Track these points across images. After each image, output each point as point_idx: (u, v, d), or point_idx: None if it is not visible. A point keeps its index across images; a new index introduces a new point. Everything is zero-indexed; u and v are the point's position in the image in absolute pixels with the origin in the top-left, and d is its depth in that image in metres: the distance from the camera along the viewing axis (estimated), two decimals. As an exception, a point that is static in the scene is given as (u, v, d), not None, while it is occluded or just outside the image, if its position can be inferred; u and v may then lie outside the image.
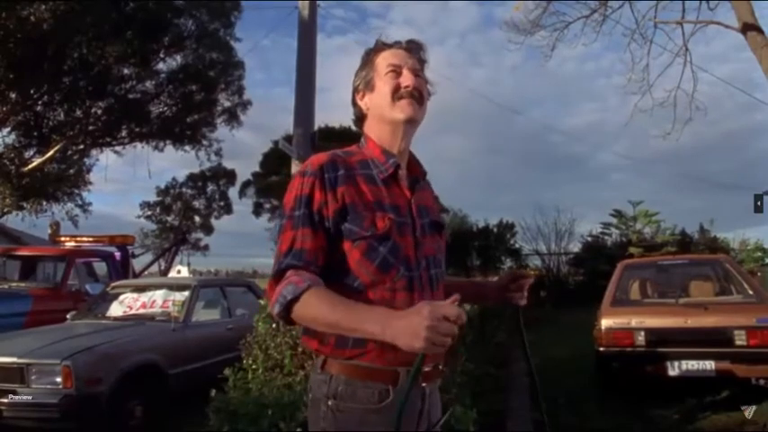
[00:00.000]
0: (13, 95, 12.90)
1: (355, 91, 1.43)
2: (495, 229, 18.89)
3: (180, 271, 23.65)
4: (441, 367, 1.35)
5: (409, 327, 1.00)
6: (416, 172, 1.43)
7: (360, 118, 1.44)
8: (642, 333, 4.99)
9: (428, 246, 1.35)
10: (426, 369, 1.26)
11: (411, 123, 1.37)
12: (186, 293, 5.71)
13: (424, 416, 1.27)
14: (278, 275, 1.20)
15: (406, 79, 1.35)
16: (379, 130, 1.39)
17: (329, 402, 1.21)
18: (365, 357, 1.20)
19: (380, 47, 1.42)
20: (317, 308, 1.13)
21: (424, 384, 1.27)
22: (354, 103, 1.43)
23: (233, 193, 29.41)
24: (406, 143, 1.40)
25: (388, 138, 1.37)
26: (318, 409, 1.23)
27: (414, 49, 1.42)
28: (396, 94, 1.34)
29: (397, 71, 1.36)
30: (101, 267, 9.38)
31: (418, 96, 1.36)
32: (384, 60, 1.38)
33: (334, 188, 1.26)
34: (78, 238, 11.58)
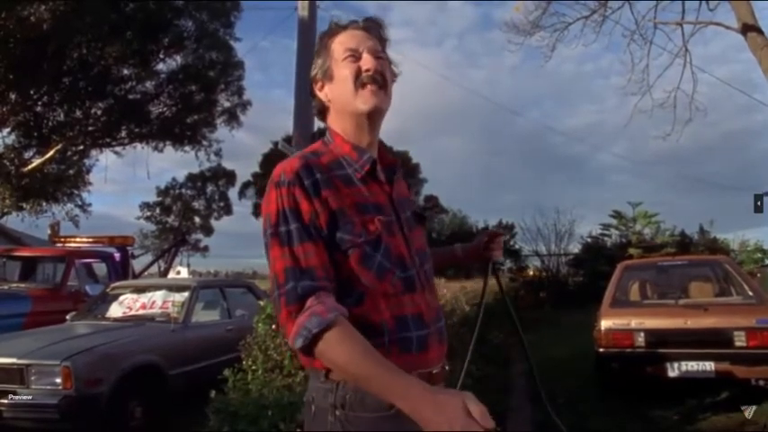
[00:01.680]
0: (12, 96, 12.90)
1: (313, 81, 1.30)
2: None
3: (179, 272, 23.68)
4: (446, 367, 1.31)
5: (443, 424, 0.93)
6: (389, 162, 1.31)
7: (321, 111, 1.32)
8: (642, 334, 4.99)
9: (417, 241, 1.29)
10: (435, 371, 1.23)
11: (376, 114, 1.25)
12: (186, 294, 5.71)
13: None
14: (298, 303, 1.08)
15: (366, 62, 1.23)
16: (342, 122, 1.27)
17: (337, 413, 1.13)
18: None
19: (335, 29, 1.29)
20: (341, 353, 1.04)
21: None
22: (314, 95, 1.31)
23: (233, 193, 29.50)
24: (375, 134, 1.28)
25: (354, 131, 1.26)
26: (324, 421, 1.14)
27: (372, 27, 1.29)
28: (357, 80, 1.22)
29: (355, 55, 1.24)
30: (100, 268, 9.37)
31: (381, 81, 1.24)
32: (340, 45, 1.26)
33: (318, 195, 1.15)
34: (78, 239, 11.58)
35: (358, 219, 1.17)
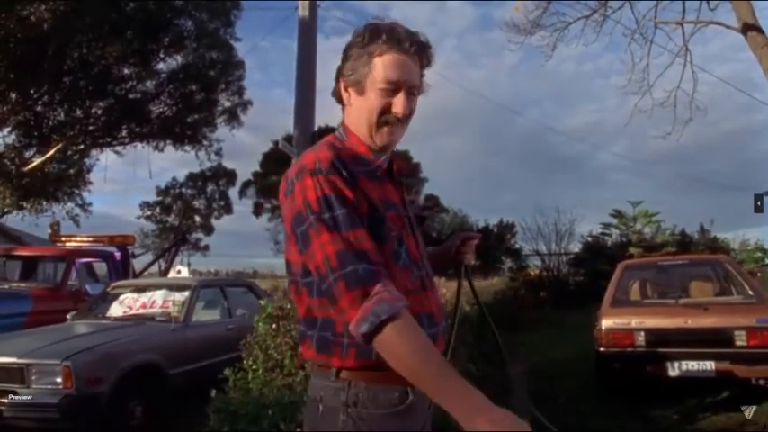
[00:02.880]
0: (13, 95, 12.91)
1: (341, 75, 1.27)
2: (496, 230, 18.91)
3: (180, 271, 23.67)
4: None
5: None
6: (399, 166, 1.36)
7: (340, 100, 1.32)
8: (642, 333, 4.98)
9: (421, 242, 1.34)
10: None
11: (388, 149, 1.29)
12: (186, 293, 5.71)
13: (430, 410, 1.28)
14: (362, 287, 1.05)
15: (398, 105, 1.22)
16: (358, 130, 1.28)
17: (349, 410, 1.14)
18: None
19: (384, 42, 1.21)
20: (405, 343, 1.02)
21: None
22: (337, 85, 1.30)
23: (233, 193, 29.55)
24: (388, 151, 1.32)
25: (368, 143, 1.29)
26: (335, 419, 1.15)
27: (419, 53, 1.25)
28: (381, 117, 1.22)
29: (391, 88, 1.21)
30: (101, 267, 9.37)
31: (405, 120, 1.25)
32: (383, 69, 1.21)
33: (356, 185, 1.16)
34: (78, 238, 11.58)
35: (387, 214, 1.20)
